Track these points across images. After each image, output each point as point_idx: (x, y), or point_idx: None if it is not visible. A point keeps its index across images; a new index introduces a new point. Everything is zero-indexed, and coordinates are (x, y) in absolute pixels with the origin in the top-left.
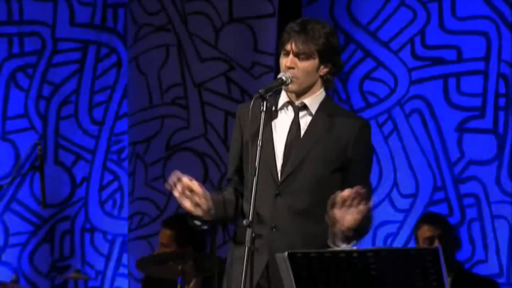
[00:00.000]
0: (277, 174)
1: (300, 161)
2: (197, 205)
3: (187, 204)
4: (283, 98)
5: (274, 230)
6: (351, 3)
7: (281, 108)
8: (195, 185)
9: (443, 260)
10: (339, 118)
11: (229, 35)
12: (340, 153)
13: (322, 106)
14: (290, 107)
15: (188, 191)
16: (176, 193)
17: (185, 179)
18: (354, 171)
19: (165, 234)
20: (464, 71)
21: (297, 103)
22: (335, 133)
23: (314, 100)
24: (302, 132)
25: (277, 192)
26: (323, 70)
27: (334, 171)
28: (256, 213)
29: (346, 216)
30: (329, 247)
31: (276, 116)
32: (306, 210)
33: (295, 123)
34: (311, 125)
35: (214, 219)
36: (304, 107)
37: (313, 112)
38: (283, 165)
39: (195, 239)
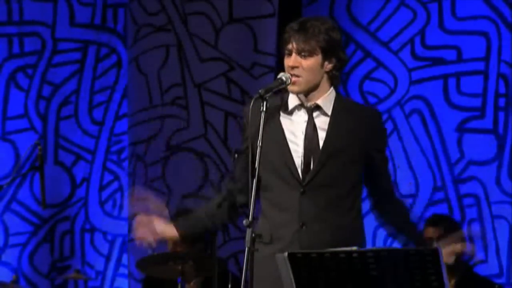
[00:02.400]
0: (298, 173)
1: (325, 160)
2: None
3: (145, 241)
4: (294, 101)
5: (303, 227)
6: (351, 3)
7: (292, 110)
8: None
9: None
10: (354, 112)
11: (229, 35)
12: (362, 145)
13: (336, 104)
14: (302, 110)
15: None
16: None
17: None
18: (380, 158)
19: None
20: (464, 71)
21: (309, 105)
22: (354, 127)
23: (326, 99)
24: (320, 132)
25: (302, 190)
26: (328, 66)
27: (356, 164)
28: (280, 213)
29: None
30: (355, 238)
31: (287, 118)
32: (332, 205)
33: (311, 124)
34: (330, 125)
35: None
36: (317, 107)
37: (328, 112)
38: (305, 165)
39: (205, 237)
